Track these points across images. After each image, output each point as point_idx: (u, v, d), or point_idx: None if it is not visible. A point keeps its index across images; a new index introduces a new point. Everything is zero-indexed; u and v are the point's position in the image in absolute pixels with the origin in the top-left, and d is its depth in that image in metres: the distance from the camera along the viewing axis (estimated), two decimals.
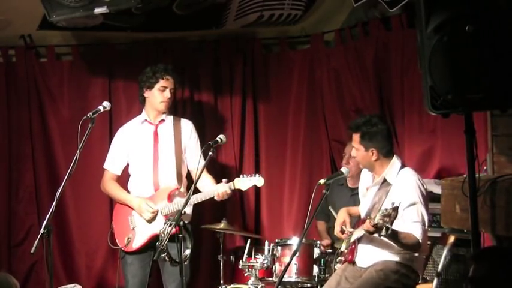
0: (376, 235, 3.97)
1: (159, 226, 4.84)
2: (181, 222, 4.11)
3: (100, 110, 4.79)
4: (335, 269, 4.57)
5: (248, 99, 5.94)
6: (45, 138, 5.78)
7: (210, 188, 4.87)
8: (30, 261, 5.67)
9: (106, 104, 4.85)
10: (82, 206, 5.66)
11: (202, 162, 5.02)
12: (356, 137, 4.37)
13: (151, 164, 5.01)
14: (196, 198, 4.81)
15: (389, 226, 3.76)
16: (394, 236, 3.97)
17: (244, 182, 4.80)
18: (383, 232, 3.82)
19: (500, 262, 2.71)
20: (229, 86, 5.93)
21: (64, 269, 5.74)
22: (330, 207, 5.23)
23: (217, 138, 4.44)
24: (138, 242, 4.93)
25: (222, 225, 5.14)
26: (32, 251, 4.14)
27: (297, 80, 5.93)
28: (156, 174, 4.99)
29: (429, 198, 4.31)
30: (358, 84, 5.59)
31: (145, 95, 5.05)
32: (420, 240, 4.09)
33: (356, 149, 4.39)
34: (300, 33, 5.94)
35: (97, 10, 4.44)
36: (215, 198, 4.83)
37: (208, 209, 5.85)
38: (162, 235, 4.17)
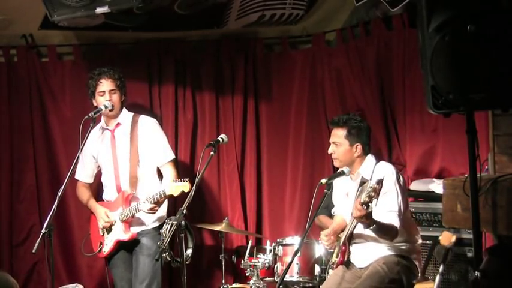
0: (364, 223, 4.00)
1: (120, 232, 4.86)
2: (183, 222, 4.12)
3: (101, 109, 4.81)
4: (327, 276, 4.56)
5: (250, 99, 5.93)
6: (47, 137, 5.78)
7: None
8: (32, 261, 5.68)
9: (107, 103, 4.86)
10: (83, 205, 5.64)
11: (170, 157, 4.99)
12: (341, 131, 4.39)
13: (112, 170, 4.96)
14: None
15: (377, 199, 3.82)
16: (376, 222, 4.00)
17: (174, 188, 4.54)
18: (370, 208, 3.87)
19: None
20: (231, 85, 5.93)
21: (65, 269, 5.74)
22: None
23: (219, 138, 4.45)
24: (106, 249, 4.94)
25: (223, 224, 5.14)
26: (33, 251, 4.15)
27: (298, 80, 5.93)
28: (118, 179, 4.94)
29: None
30: (359, 84, 5.58)
31: (94, 104, 4.93)
32: (398, 228, 4.13)
33: (337, 144, 4.39)
34: (301, 32, 5.93)
35: (98, 10, 4.44)
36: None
37: (209, 209, 5.87)
38: (164, 235, 4.17)
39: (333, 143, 4.42)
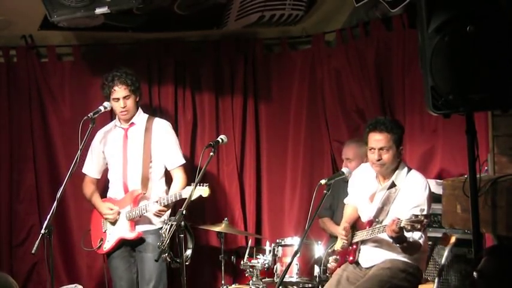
0: (392, 240, 4.00)
1: (125, 230, 4.88)
2: (183, 223, 4.12)
3: (101, 110, 4.83)
4: (327, 267, 4.55)
5: (249, 99, 5.93)
6: (46, 138, 5.78)
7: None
8: (31, 262, 5.67)
9: (107, 104, 4.88)
10: (83, 206, 5.64)
11: (181, 161, 5.03)
12: (389, 136, 4.25)
13: (121, 167, 5.00)
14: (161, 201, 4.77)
15: (421, 233, 3.86)
16: (406, 241, 4.01)
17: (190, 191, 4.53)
18: (410, 238, 3.89)
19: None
20: (231, 86, 5.93)
21: (65, 269, 5.74)
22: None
23: (219, 139, 4.46)
24: (107, 245, 4.98)
25: (223, 225, 5.14)
26: (33, 251, 4.15)
27: (298, 80, 5.93)
28: (126, 177, 4.99)
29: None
30: (359, 84, 5.58)
31: (110, 104, 4.95)
32: (422, 244, 4.15)
33: (387, 150, 4.24)
34: (301, 33, 5.93)
35: (98, 10, 4.44)
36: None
37: (209, 209, 5.86)
38: (163, 235, 4.17)
39: (380, 148, 4.25)
